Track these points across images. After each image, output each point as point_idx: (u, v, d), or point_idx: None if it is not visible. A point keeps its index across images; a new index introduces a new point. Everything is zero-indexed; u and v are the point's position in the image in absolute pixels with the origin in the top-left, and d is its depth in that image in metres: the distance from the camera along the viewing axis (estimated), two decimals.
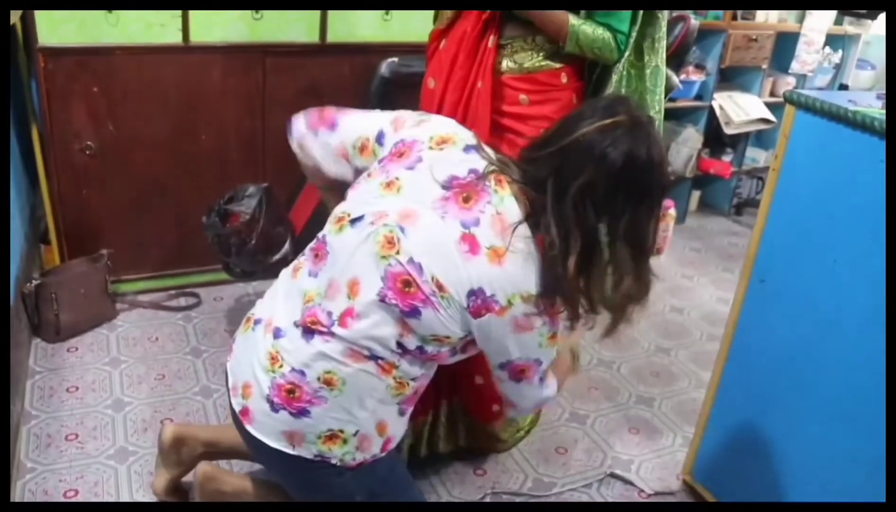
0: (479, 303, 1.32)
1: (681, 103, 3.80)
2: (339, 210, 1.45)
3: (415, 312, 1.34)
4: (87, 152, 2.60)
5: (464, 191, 1.35)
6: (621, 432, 2.37)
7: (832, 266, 1.69)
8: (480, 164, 1.39)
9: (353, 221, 1.40)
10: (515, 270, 1.33)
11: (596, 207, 1.32)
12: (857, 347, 1.62)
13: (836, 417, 1.68)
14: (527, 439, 2.26)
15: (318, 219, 2.55)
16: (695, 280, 3.46)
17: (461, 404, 2.10)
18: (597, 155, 1.31)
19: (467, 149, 1.42)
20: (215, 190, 2.58)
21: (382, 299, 1.35)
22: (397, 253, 1.33)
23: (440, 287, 1.32)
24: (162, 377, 2.40)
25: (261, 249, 2.46)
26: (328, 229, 1.46)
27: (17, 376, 2.15)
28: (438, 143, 1.42)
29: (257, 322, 1.50)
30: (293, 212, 2.68)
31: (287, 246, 2.50)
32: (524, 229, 1.34)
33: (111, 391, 2.31)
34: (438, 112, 1.91)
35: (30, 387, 2.29)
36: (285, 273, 1.54)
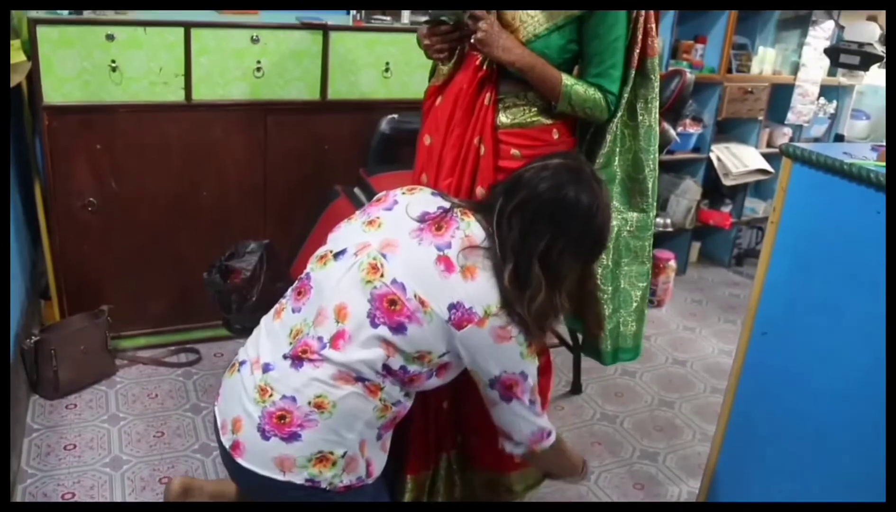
0: (459, 315, 1.47)
1: (679, 156, 3.85)
2: (321, 251, 1.62)
3: (401, 328, 1.47)
4: (90, 209, 2.63)
5: (435, 222, 1.54)
6: (626, 488, 2.35)
7: (834, 318, 1.70)
8: (446, 203, 1.60)
9: (337, 255, 1.56)
10: (485, 284, 1.49)
11: (522, 229, 1.52)
12: (863, 400, 1.62)
13: (842, 471, 1.67)
14: (532, 493, 2.23)
15: None
16: (697, 332, 3.46)
17: (464, 458, 2.09)
18: (532, 183, 1.54)
19: (433, 194, 1.65)
20: (216, 246, 2.60)
21: (371, 320, 1.47)
22: (381, 277, 1.49)
23: (423, 303, 1.46)
24: (161, 435, 2.39)
25: (261, 306, 2.46)
26: (311, 267, 1.61)
27: (15, 434, 2.13)
28: (409, 190, 1.66)
29: (242, 363, 1.58)
30: (294, 268, 2.69)
31: None
32: (487, 247, 1.53)
33: (109, 449, 2.30)
34: (437, 169, 1.94)
35: (27, 445, 2.27)
36: (266, 318, 1.65)
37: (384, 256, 1.50)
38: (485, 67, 1.90)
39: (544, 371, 2.16)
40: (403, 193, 1.63)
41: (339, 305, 1.49)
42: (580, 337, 2.66)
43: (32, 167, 2.63)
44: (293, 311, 1.57)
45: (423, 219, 1.55)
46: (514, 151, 1.91)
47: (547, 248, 1.51)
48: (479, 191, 1.91)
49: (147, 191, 2.69)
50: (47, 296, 2.74)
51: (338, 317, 1.49)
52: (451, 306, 1.46)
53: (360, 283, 1.49)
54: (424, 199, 1.61)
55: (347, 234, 1.60)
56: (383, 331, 1.46)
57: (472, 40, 1.84)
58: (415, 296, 1.46)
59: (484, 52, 1.85)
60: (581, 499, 2.27)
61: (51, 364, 2.48)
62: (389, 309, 1.46)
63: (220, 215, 2.81)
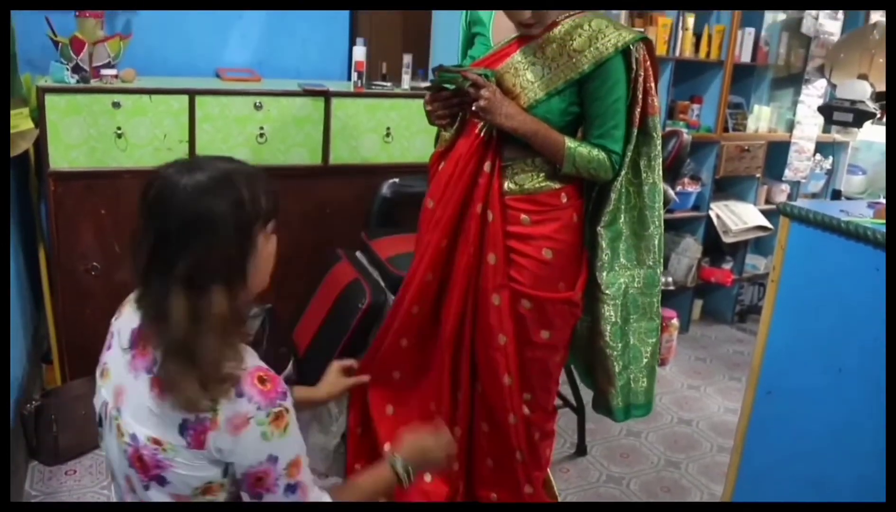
0: (194, 432, 1.25)
1: (678, 214, 3.89)
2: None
3: (162, 481, 1.29)
4: (93, 273, 2.65)
5: (142, 339, 1.31)
6: None
7: (838, 376, 1.70)
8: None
9: (100, 426, 1.39)
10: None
11: (159, 277, 1.25)
12: (870, 457, 1.61)
13: None
14: None
15: (322, 339, 2.58)
16: (701, 390, 3.45)
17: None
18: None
19: (136, 299, 1.35)
20: None
21: (142, 485, 1.30)
22: (123, 436, 1.30)
23: (157, 442, 1.26)
24: None
25: None
26: (99, 437, 1.44)
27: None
28: (118, 312, 1.41)
29: None
30: (296, 332, 2.70)
31: (290, 367, 2.51)
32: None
33: None
34: (440, 233, 1.97)
35: None
36: None
37: (119, 409, 1.32)
38: (482, 134, 1.94)
39: (547, 435, 2.16)
40: (115, 319, 1.41)
41: (124, 480, 1.35)
42: (582, 393, 2.66)
43: (37, 231, 2.66)
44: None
45: (133, 343, 1.33)
46: (523, 217, 1.95)
47: (185, 274, 1.24)
48: (491, 257, 1.94)
49: None
50: (49, 360, 2.74)
51: (125, 490, 1.36)
52: (182, 429, 1.25)
53: (118, 448, 1.32)
54: (129, 315, 1.36)
55: (97, 398, 1.41)
56: (154, 492, 1.29)
57: (473, 108, 1.88)
58: (148, 439, 1.27)
59: (487, 120, 1.88)
60: None
61: (51, 430, 2.47)
62: (141, 467, 1.29)
63: None
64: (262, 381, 1.27)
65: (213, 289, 1.25)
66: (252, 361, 1.31)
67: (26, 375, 2.54)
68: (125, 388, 1.31)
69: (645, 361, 2.07)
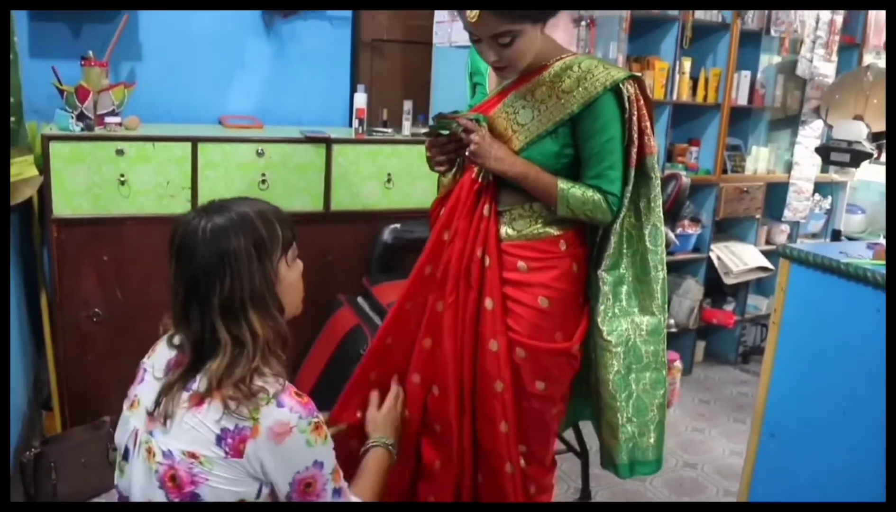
0: (233, 441, 1.33)
1: (679, 256, 3.90)
2: (117, 458, 1.52)
3: (195, 497, 1.34)
4: (94, 319, 2.66)
5: (178, 365, 1.41)
6: None
7: (842, 417, 1.69)
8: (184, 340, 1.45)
9: (126, 458, 1.46)
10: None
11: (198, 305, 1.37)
12: (876, 500, 1.60)
13: None
14: None
15: (324, 386, 2.57)
16: (706, 433, 3.42)
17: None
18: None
19: (169, 337, 1.48)
20: None
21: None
22: (155, 456, 1.37)
23: (193, 456, 1.33)
24: None
25: None
26: (116, 477, 1.52)
27: None
28: (151, 350, 1.52)
29: None
30: (298, 378, 2.69)
31: None
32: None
33: None
34: (440, 280, 1.96)
35: None
36: None
37: (151, 433, 1.39)
38: (480, 179, 1.94)
39: (545, 489, 2.10)
40: (148, 358, 1.52)
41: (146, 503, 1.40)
42: (586, 438, 2.64)
43: (39, 277, 2.68)
44: None
45: (167, 370, 1.44)
46: (520, 264, 1.91)
47: (221, 305, 1.36)
48: (489, 303, 1.92)
49: (153, 301, 2.72)
50: (49, 407, 2.73)
51: None
52: (220, 439, 1.33)
53: (148, 472, 1.39)
54: (164, 351, 1.48)
55: (120, 430, 1.50)
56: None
57: (466, 153, 1.89)
58: (183, 453, 1.34)
59: (478, 164, 1.89)
60: None
61: (50, 478, 2.45)
62: (173, 486, 1.35)
63: None
64: (298, 395, 1.39)
65: (250, 315, 1.39)
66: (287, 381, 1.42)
67: (26, 421, 2.54)
68: (157, 414, 1.39)
69: (651, 414, 1.99)
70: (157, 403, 1.38)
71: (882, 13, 4.20)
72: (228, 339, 1.36)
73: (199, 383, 1.36)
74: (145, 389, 1.46)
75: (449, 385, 1.96)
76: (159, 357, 1.47)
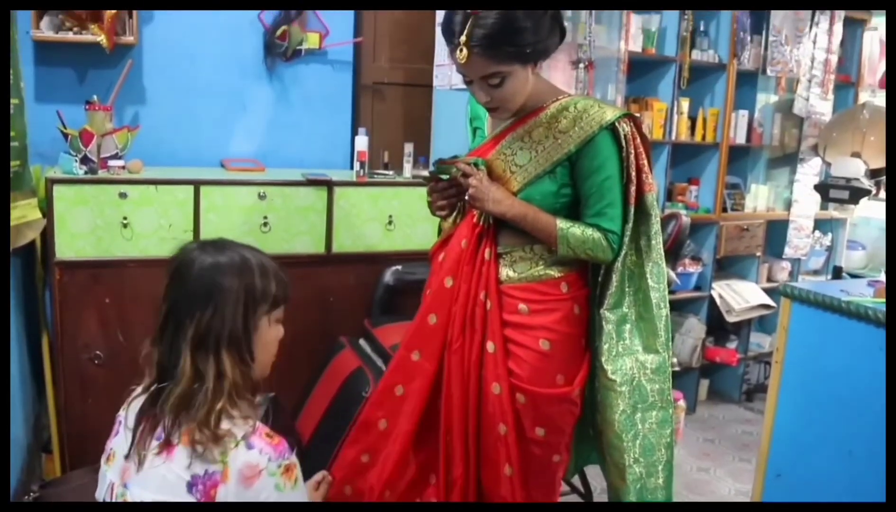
0: (203, 487, 1.31)
1: (681, 295, 3.91)
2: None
3: None
4: (96, 362, 2.66)
5: (148, 417, 1.40)
6: None
7: (847, 457, 1.69)
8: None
9: None
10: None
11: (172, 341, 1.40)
12: None
13: None
14: None
15: (325, 429, 2.57)
16: (711, 472, 3.39)
17: None
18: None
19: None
20: None
21: None
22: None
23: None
24: None
25: None
26: None
27: None
28: (126, 403, 1.51)
29: None
30: (299, 421, 2.69)
31: (294, 456, 2.49)
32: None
33: None
34: (442, 327, 1.97)
35: None
36: None
37: (125, 486, 1.39)
38: (481, 223, 1.96)
39: None
40: (123, 409, 1.51)
41: None
42: (591, 479, 2.62)
43: (41, 320, 2.69)
44: None
45: (138, 420, 1.43)
46: (521, 306, 1.91)
47: (194, 336, 1.39)
48: (490, 346, 1.92)
49: None
50: (49, 449, 2.72)
51: None
52: (191, 486, 1.32)
53: None
54: (136, 402, 1.47)
55: (101, 485, 1.48)
56: None
57: (465, 197, 1.91)
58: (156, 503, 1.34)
59: (477, 207, 1.91)
60: None
61: None
62: None
63: None
64: (269, 436, 1.37)
65: (221, 354, 1.40)
66: (258, 422, 1.41)
67: (25, 465, 2.53)
68: (131, 464, 1.39)
69: (658, 454, 1.96)
70: (129, 452, 1.39)
71: (875, 52, 4.27)
72: (189, 370, 1.37)
73: (164, 426, 1.36)
74: (119, 441, 1.46)
75: (454, 429, 1.96)
76: (132, 408, 1.47)
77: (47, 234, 2.56)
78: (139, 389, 1.49)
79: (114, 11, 2.61)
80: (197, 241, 1.51)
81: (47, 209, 2.54)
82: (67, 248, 2.58)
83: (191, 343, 1.38)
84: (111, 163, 2.64)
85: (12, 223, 2.35)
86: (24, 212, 2.45)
